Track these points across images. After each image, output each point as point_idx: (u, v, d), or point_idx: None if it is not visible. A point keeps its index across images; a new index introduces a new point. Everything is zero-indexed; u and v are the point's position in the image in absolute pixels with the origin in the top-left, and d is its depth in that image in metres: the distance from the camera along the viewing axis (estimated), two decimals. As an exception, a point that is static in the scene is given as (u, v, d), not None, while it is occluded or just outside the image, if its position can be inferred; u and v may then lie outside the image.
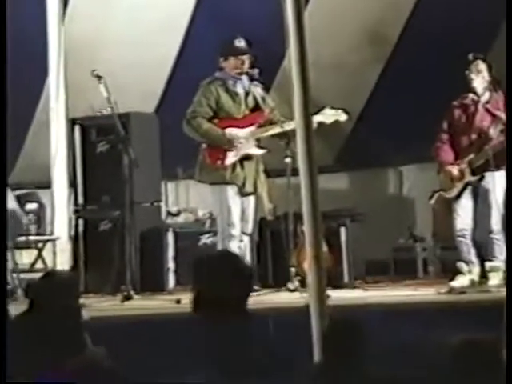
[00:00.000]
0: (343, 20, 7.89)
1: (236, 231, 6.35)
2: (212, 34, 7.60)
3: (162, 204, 7.75)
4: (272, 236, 7.38)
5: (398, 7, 7.82)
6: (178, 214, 7.86)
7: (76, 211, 7.50)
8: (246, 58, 6.38)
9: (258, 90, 6.47)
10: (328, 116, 6.33)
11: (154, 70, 8.13)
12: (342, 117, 6.44)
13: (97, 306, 5.70)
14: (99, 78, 6.36)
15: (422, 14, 7.76)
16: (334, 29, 7.87)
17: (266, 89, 6.64)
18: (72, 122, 7.52)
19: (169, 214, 7.84)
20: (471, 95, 6.56)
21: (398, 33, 7.96)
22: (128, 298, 6.11)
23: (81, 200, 7.51)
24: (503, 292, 5.96)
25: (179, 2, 7.90)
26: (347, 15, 7.85)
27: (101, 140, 7.43)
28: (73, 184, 7.48)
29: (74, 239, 7.41)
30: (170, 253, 7.28)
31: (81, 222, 7.49)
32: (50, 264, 7.27)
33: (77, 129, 7.54)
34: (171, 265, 7.23)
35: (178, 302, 5.94)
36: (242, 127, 6.42)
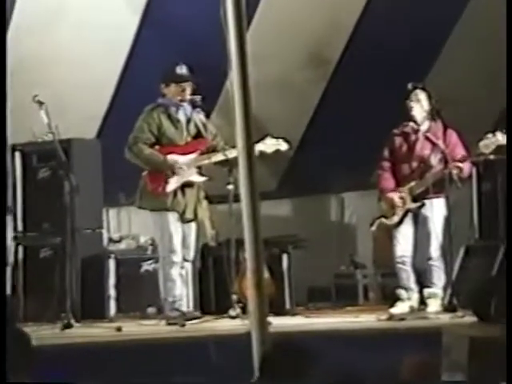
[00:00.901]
0: (285, 41, 7.94)
1: (177, 258, 6.34)
2: (155, 58, 7.61)
3: (104, 230, 7.70)
4: (214, 262, 7.38)
5: (338, 28, 7.90)
6: (119, 240, 7.81)
7: (15, 238, 7.41)
8: (187, 85, 6.40)
9: (199, 117, 6.49)
10: (269, 145, 6.37)
11: (96, 92, 8.09)
12: (283, 146, 6.48)
13: (36, 334, 5.62)
14: (40, 103, 6.32)
15: (362, 36, 7.86)
16: (276, 50, 7.91)
17: (208, 112, 6.66)
18: (12, 148, 7.45)
19: (110, 240, 7.79)
20: (411, 124, 6.66)
21: (339, 54, 8.04)
22: (68, 325, 6.04)
23: (20, 227, 7.42)
24: (441, 318, 6.04)
25: (122, 25, 7.88)
26: (289, 36, 7.91)
27: (42, 166, 7.37)
28: (12, 210, 7.39)
29: (14, 266, 7.31)
30: (112, 280, 7.22)
31: (20, 248, 7.40)
32: (-12, 291, 7.14)
33: (17, 155, 7.46)
34: (112, 292, 7.18)
35: (119, 329, 5.90)
36: (184, 154, 6.42)
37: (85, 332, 5.97)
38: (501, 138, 6.28)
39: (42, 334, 5.73)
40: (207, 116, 6.64)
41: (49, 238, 7.24)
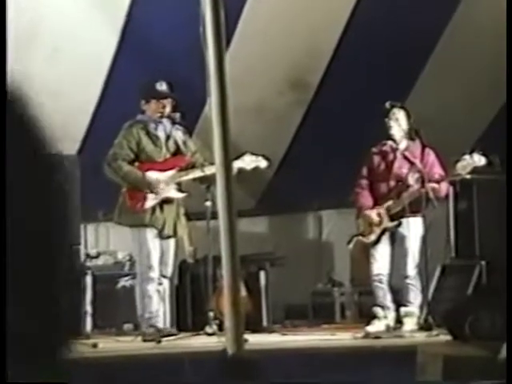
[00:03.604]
0: (264, 65, 7.98)
1: (154, 274, 6.33)
2: (135, 75, 7.62)
3: (81, 246, 7.67)
4: (192, 279, 7.37)
5: (318, 53, 7.95)
6: (97, 256, 7.79)
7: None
8: (167, 101, 6.41)
9: (179, 134, 6.50)
10: (248, 162, 6.37)
11: (76, 110, 8.09)
12: (262, 163, 6.50)
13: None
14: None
15: (342, 60, 7.91)
16: (255, 74, 7.95)
17: (189, 133, 6.67)
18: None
19: (88, 256, 7.77)
20: (390, 142, 6.69)
21: (319, 78, 8.09)
22: (43, 341, 6.00)
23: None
24: (417, 337, 6.07)
25: (102, 42, 7.88)
26: (268, 60, 7.95)
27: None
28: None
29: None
30: (88, 296, 7.20)
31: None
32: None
33: (-5, 169, 7.43)
34: (89, 308, 7.15)
35: (95, 346, 5.87)
36: (163, 170, 6.43)
37: (60, 348, 5.93)
38: (477, 159, 6.32)
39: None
40: (189, 135, 6.63)
41: (26, 253, 7.20)
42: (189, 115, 6.65)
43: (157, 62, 7.65)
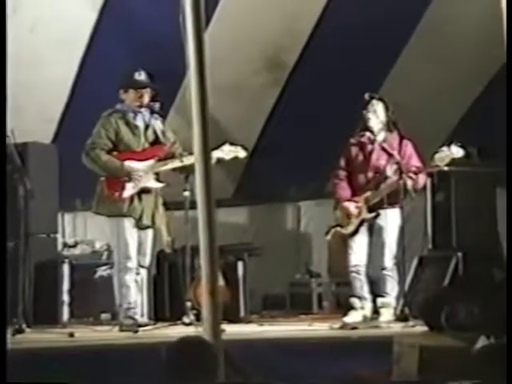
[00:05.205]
0: (241, 45, 7.93)
1: (132, 264, 6.33)
2: (111, 61, 7.57)
3: (59, 235, 7.65)
4: (170, 269, 7.38)
5: (294, 34, 7.92)
6: (74, 245, 7.77)
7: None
8: (145, 91, 6.40)
9: (158, 124, 6.49)
10: (227, 152, 6.38)
11: (51, 95, 8.01)
12: (241, 153, 6.51)
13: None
14: (-5, 106, 6.26)
15: (319, 41, 7.89)
16: (231, 54, 7.91)
17: (164, 113, 6.65)
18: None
19: (65, 245, 7.75)
20: (368, 133, 6.71)
21: (295, 59, 8.06)
22: (19, 331, 5.99)
23: (-26, 230, 7.33)
24: (393, 328, 6.11)
25: (78, 24, 7.78)
26: (245, 40, 7.91)
27: (-4, 169, 7.30)
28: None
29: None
30: (65, 285, 7.18)
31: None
32: None
33: (-28, 157, 7.38)
34: (66, 297, 7.14)
35: (71, 335, 5.87)
36: (142, 160, 6.42)
37: (36, 337, 5.93)
38: (455, 151, 6.36)
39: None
40: (163, 118, 6.63)
41: (2, 242, 7.17)
42: (166, 98, 6.61)
43: (134, 46, 7.59)
